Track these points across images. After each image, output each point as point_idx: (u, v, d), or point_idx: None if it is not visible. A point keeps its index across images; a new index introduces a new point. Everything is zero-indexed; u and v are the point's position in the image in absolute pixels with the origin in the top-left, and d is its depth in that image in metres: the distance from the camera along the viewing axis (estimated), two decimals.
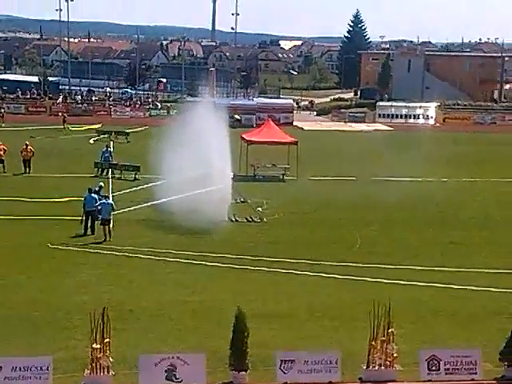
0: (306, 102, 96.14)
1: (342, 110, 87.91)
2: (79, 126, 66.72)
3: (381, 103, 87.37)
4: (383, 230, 31.49)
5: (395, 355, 16.87)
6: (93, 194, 29.98)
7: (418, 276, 24.80)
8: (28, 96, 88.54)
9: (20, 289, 22.75)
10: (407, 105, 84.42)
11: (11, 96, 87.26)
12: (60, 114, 70.28)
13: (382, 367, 16.83)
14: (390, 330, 16.82)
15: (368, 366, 16.86)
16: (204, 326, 19.92)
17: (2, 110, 72.44)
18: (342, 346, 17.55)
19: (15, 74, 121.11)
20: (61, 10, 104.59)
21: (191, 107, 37.97)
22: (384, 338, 16.81)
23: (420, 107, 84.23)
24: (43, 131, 62.17)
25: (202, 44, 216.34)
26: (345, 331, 19.72)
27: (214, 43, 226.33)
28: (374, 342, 16.82)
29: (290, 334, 19.51)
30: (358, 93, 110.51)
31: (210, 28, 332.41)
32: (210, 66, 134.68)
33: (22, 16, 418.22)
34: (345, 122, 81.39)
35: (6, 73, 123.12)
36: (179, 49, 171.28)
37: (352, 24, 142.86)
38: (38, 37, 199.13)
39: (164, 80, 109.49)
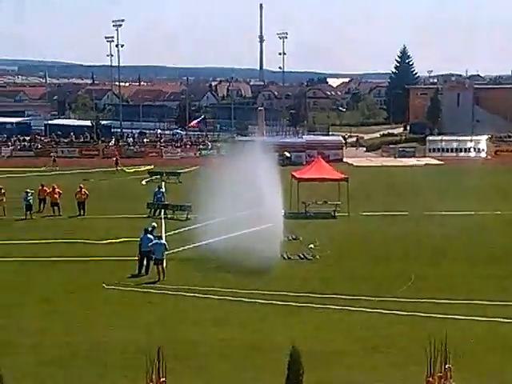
0: (354, 139, 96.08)
1: (392, 146, 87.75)
2: (132, 167, 67.80)
3: (431, 137, 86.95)
4: (437, 265, 31.11)
5: None
6: (149, 235, 30.31)
7: (473, 310, 24.45)
8: (81, 140, 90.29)
9: (76, 330, 23.00)
10: (458, 138, 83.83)
11: (65, 140, 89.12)
12: (113, 156, 71.41)
13: None
14: (447, 366, 16.57)
15: None
16: (259, 364, 19.89)
17: (52, 155, 73.97)
18: (399, 383, 17.35)
19: (69, 118, 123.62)
20: (112, 55, 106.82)
21: (241, 146, 38.29)
22: (441, 374, 16.56)
23: (471, 140, 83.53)
24: (96, 174, 63.28)
25: (251, 84, 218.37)
26: (401, 367, 19.50)
27: (262, 83, 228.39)
28: (431, 379, 16.58)
29: (345, 371, 19.37)
30: (408, 128, 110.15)
31: (258, 68, 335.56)
32: (258, 105, 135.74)
33: (75, 62, 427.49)
34: (395, 156, 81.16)
35: (59, 118, 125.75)
36: (228, 89, 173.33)
37: (399, 59, 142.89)
38: (90, 82, 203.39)
39: (198, 119, 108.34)
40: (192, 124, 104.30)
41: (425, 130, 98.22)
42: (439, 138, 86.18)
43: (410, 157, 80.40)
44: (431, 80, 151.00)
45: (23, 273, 30.04)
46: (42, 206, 44.23)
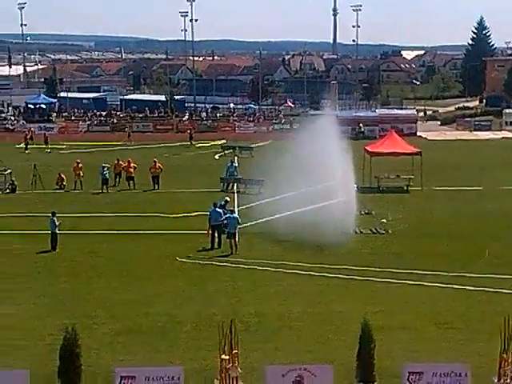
0: (421, 113, 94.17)
1: (467, 119, 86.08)
2: (205, 141, 68.37)
3: (508, 110, 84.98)
4: None
5: None
6: (217, 209, 30.61)
7: None
8: (156, 115, 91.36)
9: (151, 301, 23.50)
10: None
11: (140, 115, 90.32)
12: (187, 131, 71.97)
13: None
14: None
15: (499, 379, 16.43)
16: (330, 337, 20.01)
17: (127, 130, 75.00)
18: (472, 358, 17.23)
19: (143, 93, 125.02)
20: (186, 30, 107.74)
21: (314, 120, 38.14)
22: None
23: None
24: (170, 148, 63.99)
25: (324, 57, 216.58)
26: (474, 343, 19.36)
27: (335, 56, 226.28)
28: (505, 355, 16.40)
29: (416, 345, 19.31)
30: (484, 101, 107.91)
31: (332, 41, 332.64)
32: (331, 78, 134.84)
33: (150, 37, 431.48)
34: (470, 130, 79.70)
35: (135, 93, 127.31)
36: (301, 63, 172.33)
37: (476, 31, 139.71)
38: (165, 57, 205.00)
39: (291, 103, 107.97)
40: (288, 104, 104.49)
41: (501, 102, 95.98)
42: None
43: (486, 130, 78.81)
44: (509, 51, 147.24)
45: (100, 245, 30.73)
46: (117, 180, 45.08)
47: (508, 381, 16.33)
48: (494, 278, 25.06)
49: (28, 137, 66.77)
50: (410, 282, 24.89)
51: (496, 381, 16.43)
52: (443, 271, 25.89)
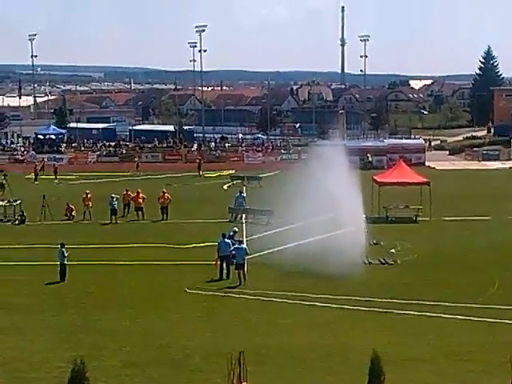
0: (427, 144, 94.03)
1: (475, 149, 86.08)
2: (213, 172, 68.52)
3: None
4: None
5: None
6: (226, 239, 30.63)
7: None
8: (164, 145, 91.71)
9: (159, 333, 23.46)
10: None
11: (149, 145, 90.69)
12: (197, 160, 72.15)
13: None
14: None
15: None
16: (339, 370, 19.91)
17: (135, 160, 75.17)
18: None
19: (152, 124, 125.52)
20: (195, 60, 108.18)
21: (322, 150, 38.20)
22: None
23: None
24: (179, 178, 64.12)
25: (332, 87, 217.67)
26: (485, 375, 19.24)
27: (343, 86, 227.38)
28: None
29: (427, 378, 19.21)
30: (492, 130, 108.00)
31: (340, 71, 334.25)
32: (339, 108, 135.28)
33: (159, 68, 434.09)
34: (478, 160, 79.64)
35: (144, 123, 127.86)
36: (309, 93, 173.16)
37: (484, 61, 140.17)
38: (174, 87, 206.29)
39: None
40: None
41: (509, 132, 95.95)
42: None
43: (494, 160, 78.76)
44: None
45: (108, 276, 30.75)
46: (126, 210, 45.14)
47: None
48: (503, 309, 24.94)
49: (39, 167, 67.11)
50: (419, 313, 24.78)
51: None
52: (453, 302, 25.79)
